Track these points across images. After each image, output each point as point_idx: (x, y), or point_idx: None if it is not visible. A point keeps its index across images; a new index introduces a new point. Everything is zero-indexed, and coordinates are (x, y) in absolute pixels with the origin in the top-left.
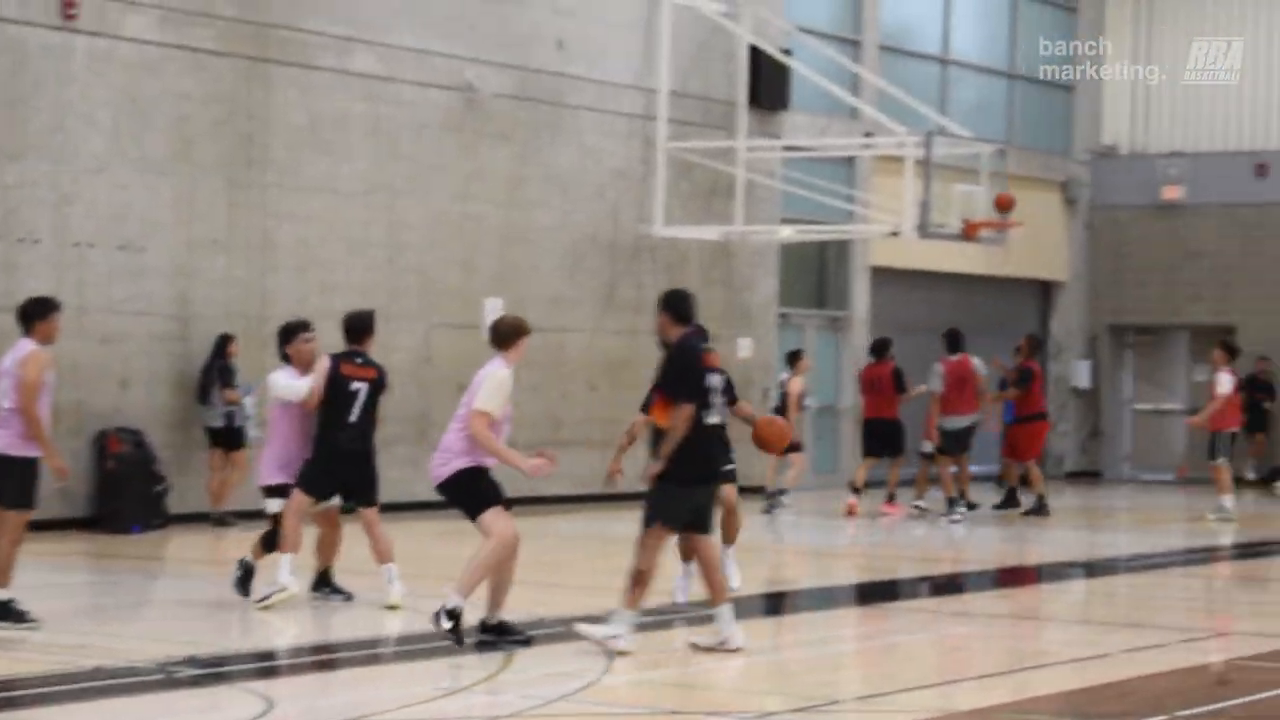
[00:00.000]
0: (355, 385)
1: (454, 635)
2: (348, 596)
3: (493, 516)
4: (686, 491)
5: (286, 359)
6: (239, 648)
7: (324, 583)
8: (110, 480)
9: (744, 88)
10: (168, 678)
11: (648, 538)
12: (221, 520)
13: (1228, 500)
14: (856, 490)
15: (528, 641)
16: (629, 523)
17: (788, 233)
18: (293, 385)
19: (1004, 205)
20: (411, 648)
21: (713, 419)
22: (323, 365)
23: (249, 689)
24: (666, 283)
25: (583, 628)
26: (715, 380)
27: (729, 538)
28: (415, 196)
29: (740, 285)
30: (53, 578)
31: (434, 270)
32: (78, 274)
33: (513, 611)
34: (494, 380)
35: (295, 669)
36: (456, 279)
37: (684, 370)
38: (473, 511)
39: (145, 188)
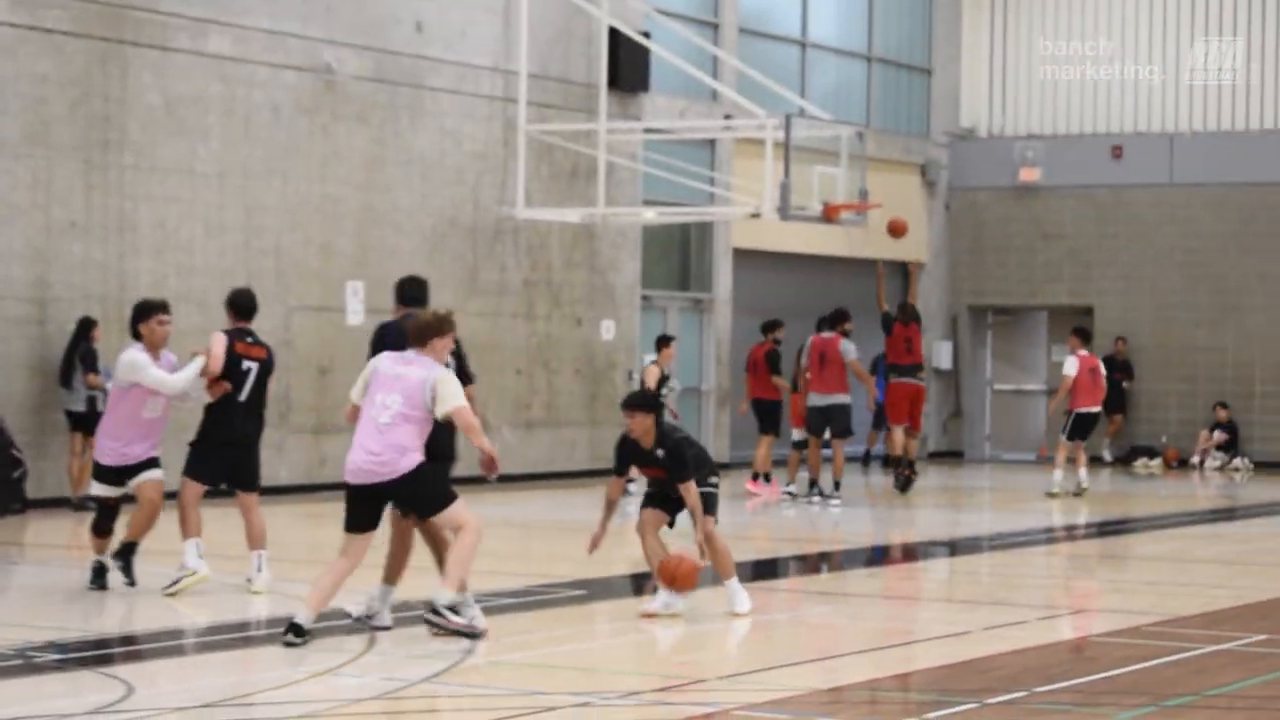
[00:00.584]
0: (247, 365)
1: (468, 631)
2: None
3: (460, 506)
4: None
5: (138, 337)
6: (101, 632)
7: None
8: None
9: (604, 70)
10: (27, 663)
11: None
12: (81, 505)
13: (1058, 475)
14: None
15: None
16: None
17: (650, 215)
18: (181, 375)
19: (897, 231)
20: (276, 632)
21: None
22: (219, 342)
23: (111, 674)
24: (529, 265)
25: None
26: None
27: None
28: (272, 179)
29: (603, 267)
30: None
31: (292, 252)
32: None
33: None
34: (452, 379)
35: (159, 653)
36: (315, 261)
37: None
38: (436, 506)
39: (2, 171)
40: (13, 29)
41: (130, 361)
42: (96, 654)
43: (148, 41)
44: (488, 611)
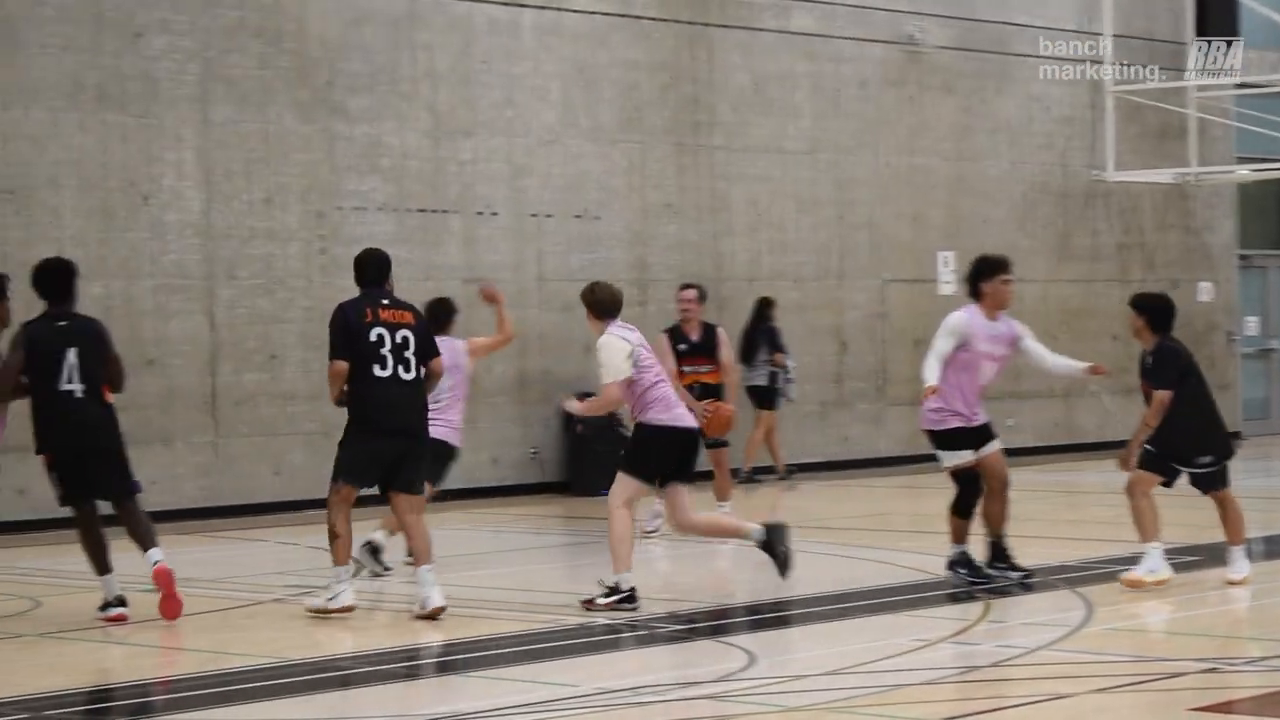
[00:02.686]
0: None
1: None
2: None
3: None
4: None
5: (977, 296)
6: (715, 603)
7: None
8: (578, 445)
9: (1190, 25)
10: (649, 634)
11: None
12: (749, 478)
13: None
14: None
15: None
16: (1093, 473)
17: (1244, 172)
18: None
19: None
20: (882, 601)
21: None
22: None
23: (729, 642)
24: (1121, 229)
25: None
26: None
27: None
28: (862, 152)
29: (1197, 228)
30: (532, 540)
31: (884, 225)
32: (536, 245)
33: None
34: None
35: (771, 623)
36: (907, 233)
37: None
38: None
39: (598, 157)
40: (605, 17)
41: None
42: (714, 624)
43: (734, 23)
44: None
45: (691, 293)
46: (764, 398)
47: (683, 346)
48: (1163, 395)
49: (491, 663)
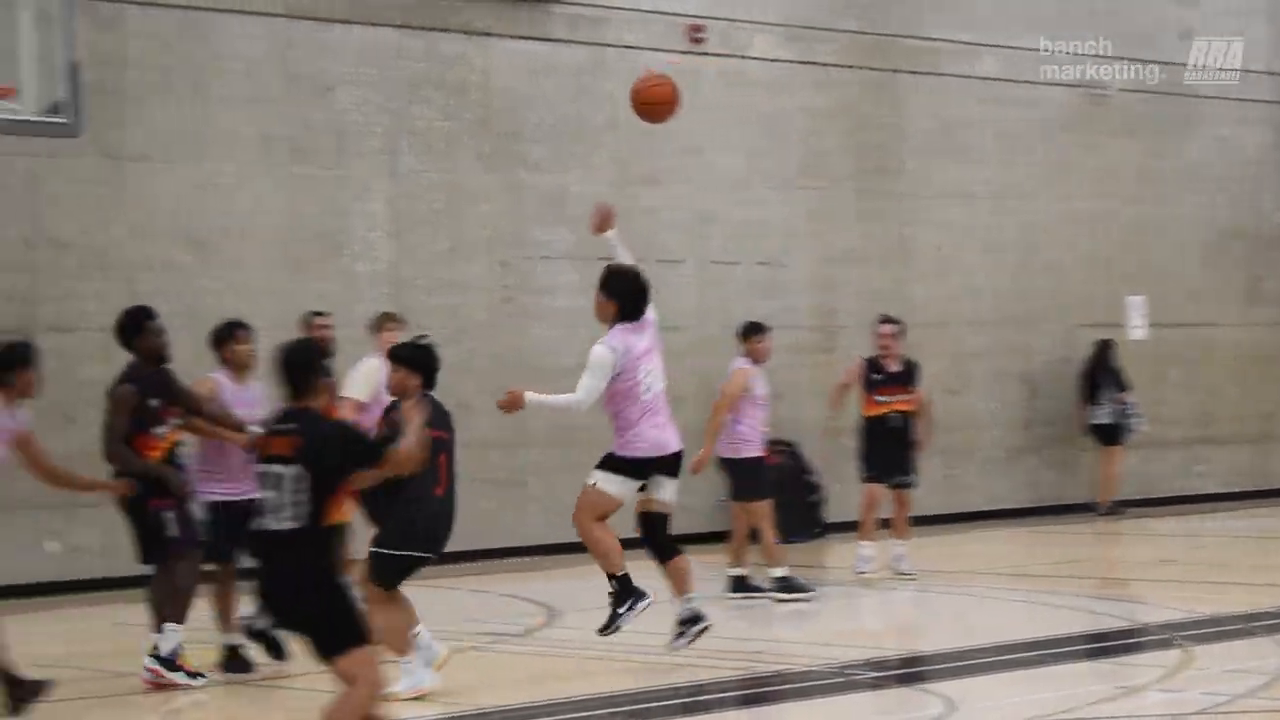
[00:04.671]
0: None
1: None
2: None
3: None
4: None
5: None
6: (912, 650)
7: None
8: None
9: None
10: (847, 680)
11: None
12: (1112, 510)
13: None
14: None
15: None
16: None
17: None
18: None
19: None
20: (1087, 648)
21: None
22: None
23: (927, 689)
24: None
25: None
26: None
27: None
28: (1045, 197)
29: None
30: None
31: (1069, 270)
32: (720, 292)
33: (1173, 611)
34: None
35: (969, 670)
36: (1092, 277)
37: None
38: None
39: (782, 203)
40: (788, 65)
41: None
42: (914, 670)
43: (919, 68)
44: None
45: (891, 327)
46: (1109, 435)
47: (877, 376)
48: None
49: (687, 711)
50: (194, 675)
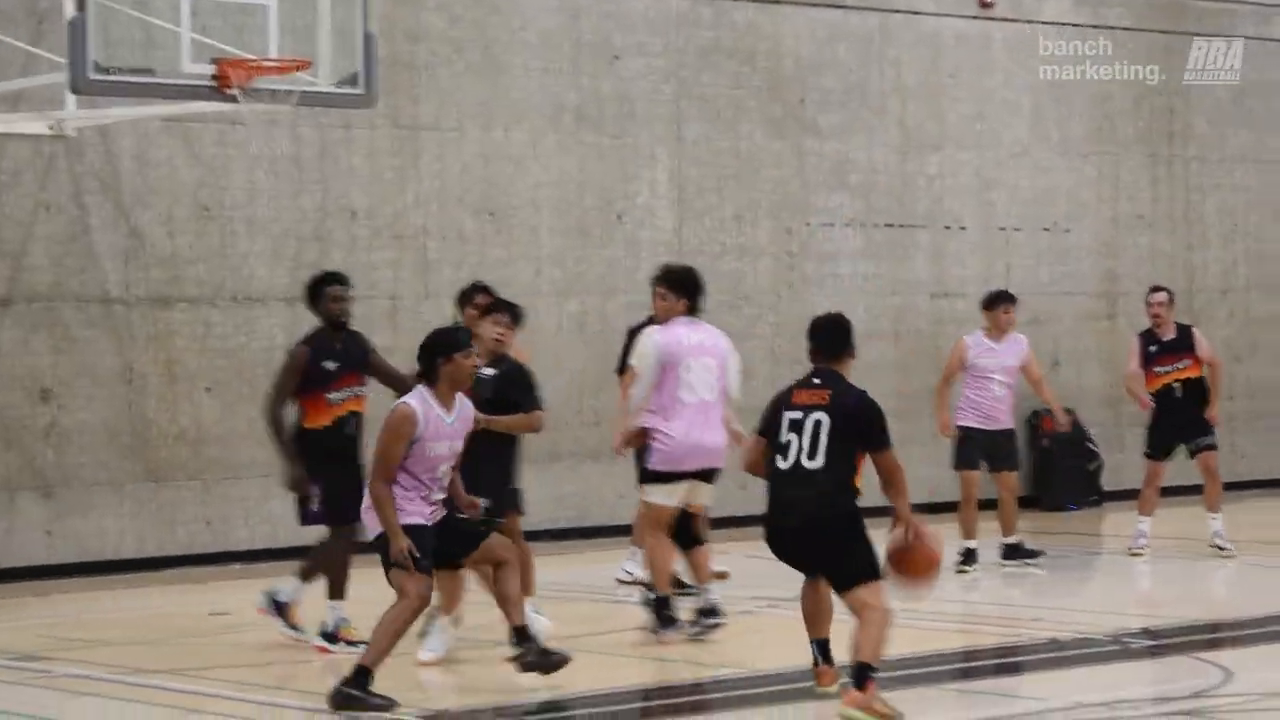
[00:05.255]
0: None
1: None
2: None
3: None
4: None
5: None
6: (1194, 619)
7: None
8: (1046, 459)
9: None
10: (1123, 648)
11: None
12: None
13: None
14: None
15: None
16: None
17: None
18: None
19: None
20: None
21: None
22: None
23: (1207, 659)
24: None
25: None
26: None
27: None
28: None
29: None
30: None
31: None
32: (1005, 258)
33: None
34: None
35: (1250, 639)
36: None
37: None
38: None
39: (1068, 170)
40: (1076, 28)
41: None
42: (1191, 639)
43: (1211, 30)
44: None
45: (1160, 295)
46: None
47: (1153, 348)
48: None
49: (965, 675)
50: (353, 644)
